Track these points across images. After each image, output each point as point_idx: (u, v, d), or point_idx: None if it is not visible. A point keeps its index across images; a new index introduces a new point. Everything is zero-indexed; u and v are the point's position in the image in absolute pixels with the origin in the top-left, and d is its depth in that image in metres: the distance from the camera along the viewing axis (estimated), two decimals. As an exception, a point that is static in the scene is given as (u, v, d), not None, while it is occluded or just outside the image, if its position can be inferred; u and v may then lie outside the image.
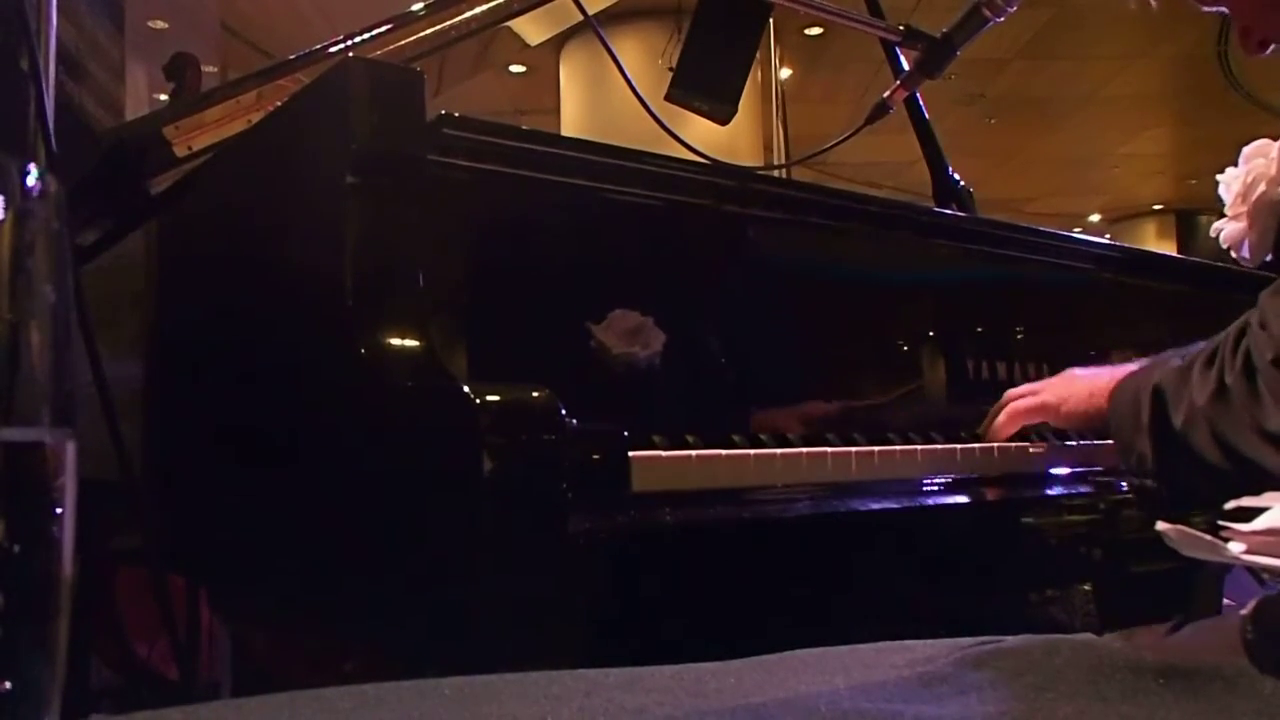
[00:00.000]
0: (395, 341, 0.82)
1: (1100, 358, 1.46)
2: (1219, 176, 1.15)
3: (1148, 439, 0.93)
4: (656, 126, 1.42)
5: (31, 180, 0.33)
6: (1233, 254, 1.14)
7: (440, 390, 0.76)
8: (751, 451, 0.93)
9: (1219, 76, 8.16)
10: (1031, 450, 1.13)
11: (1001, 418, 1.16)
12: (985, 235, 1.38)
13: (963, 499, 1.06)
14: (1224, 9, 1.02)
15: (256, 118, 1.32)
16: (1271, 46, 0.99)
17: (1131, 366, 1.09)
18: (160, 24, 4.43)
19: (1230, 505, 0.58)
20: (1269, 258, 1.13)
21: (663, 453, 0.87)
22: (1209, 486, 0.84)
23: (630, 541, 0.84)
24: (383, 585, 0.81)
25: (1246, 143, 1.08)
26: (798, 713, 0.50)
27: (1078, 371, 1.18)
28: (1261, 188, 1.08)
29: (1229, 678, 0.52)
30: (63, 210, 0.34)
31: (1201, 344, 0.94)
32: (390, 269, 0.86)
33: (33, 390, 0.33)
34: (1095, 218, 13.30)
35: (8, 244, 0.32)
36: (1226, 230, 1.13)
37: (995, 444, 1.13)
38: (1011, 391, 1.19)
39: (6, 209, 0.32)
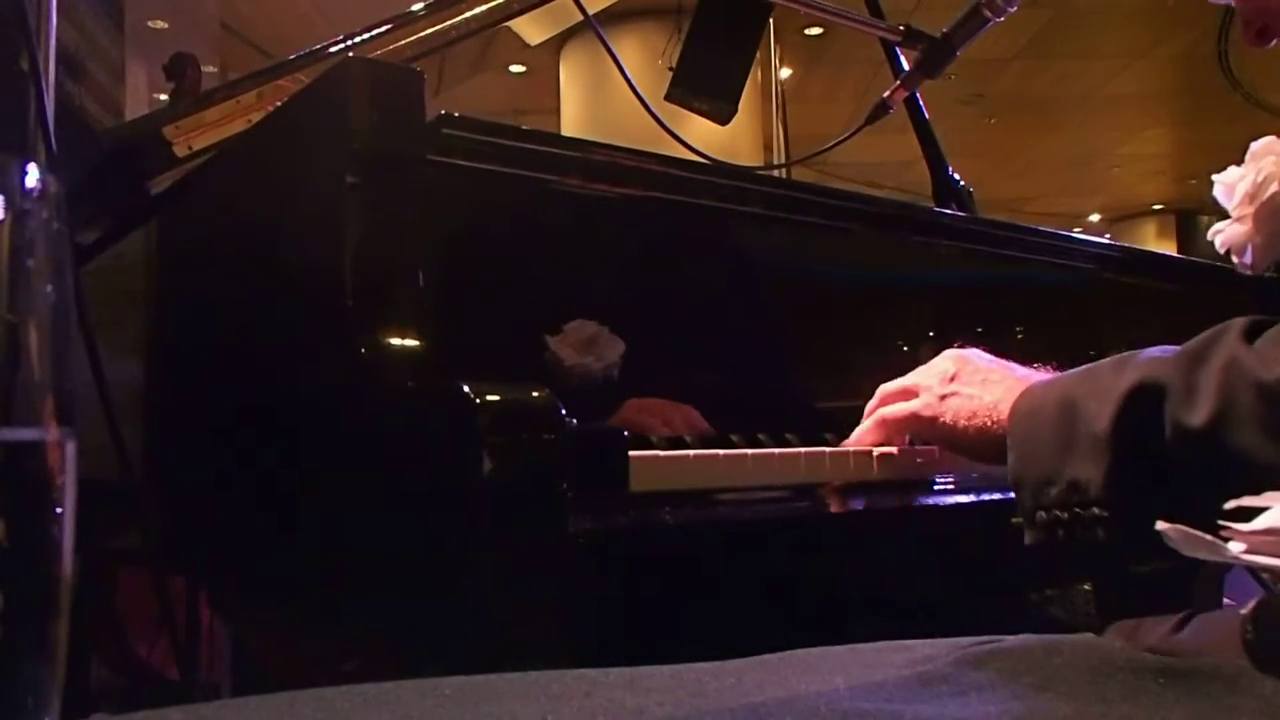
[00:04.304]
0: (395, 341, 0.82)
1: (1099, 358, 1.46)
2: (1216, 176, 1.06)
3: (1104, 457, 0.75)
4: (656, 126, 1.42)
5: (31, 180, 0.33)
6: (1233, 258, 1.02)
7: (440, 390, 0.76)
8: (750, 451, 0.93)
9: (1219, 76, 8.16)
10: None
11: (868, 425, 1.00)
12: (985, 235, 1.38)
13: (964, 499, 1.06)
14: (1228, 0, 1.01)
15: (256, 117, 1.32)
16: (1275, 39, 0.98)
17: (1033, 374, 0.90)
18: (160, 24, 4.43)
19: (1230, 505, 0.57)
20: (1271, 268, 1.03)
21: (661, 452, 0.87)
22: (1214, 504, 0.72)
23: (630, 541, 0.84)
24: (383, 585, 0.81)
25: (1247, 143, 1.05)
26: (798, 713, 0.50)
27: (955, 364, 0.95)
28: (1273, 188, 0.98)
29: (1229, 678, 0.52)
30: (63, 210, 0.34)
31: (1154, 349, 0.79)
32: (390, 269, 0.86)
33: (33, 390, 0.33)
34: (1095, 218, 13.31)
35: (8, 244, 0.32)
36: (1227, 233, 1.02)
37: None
38: (886, 388, 1.01)
39: (6, 209, 0.32)
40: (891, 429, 0.98)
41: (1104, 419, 0.75)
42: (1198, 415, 0.69)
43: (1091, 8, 7.12)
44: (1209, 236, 1.05)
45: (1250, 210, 0.99)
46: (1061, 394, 0.81)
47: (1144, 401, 0.73)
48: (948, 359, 0.97)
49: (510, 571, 0.73)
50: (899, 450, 1.01)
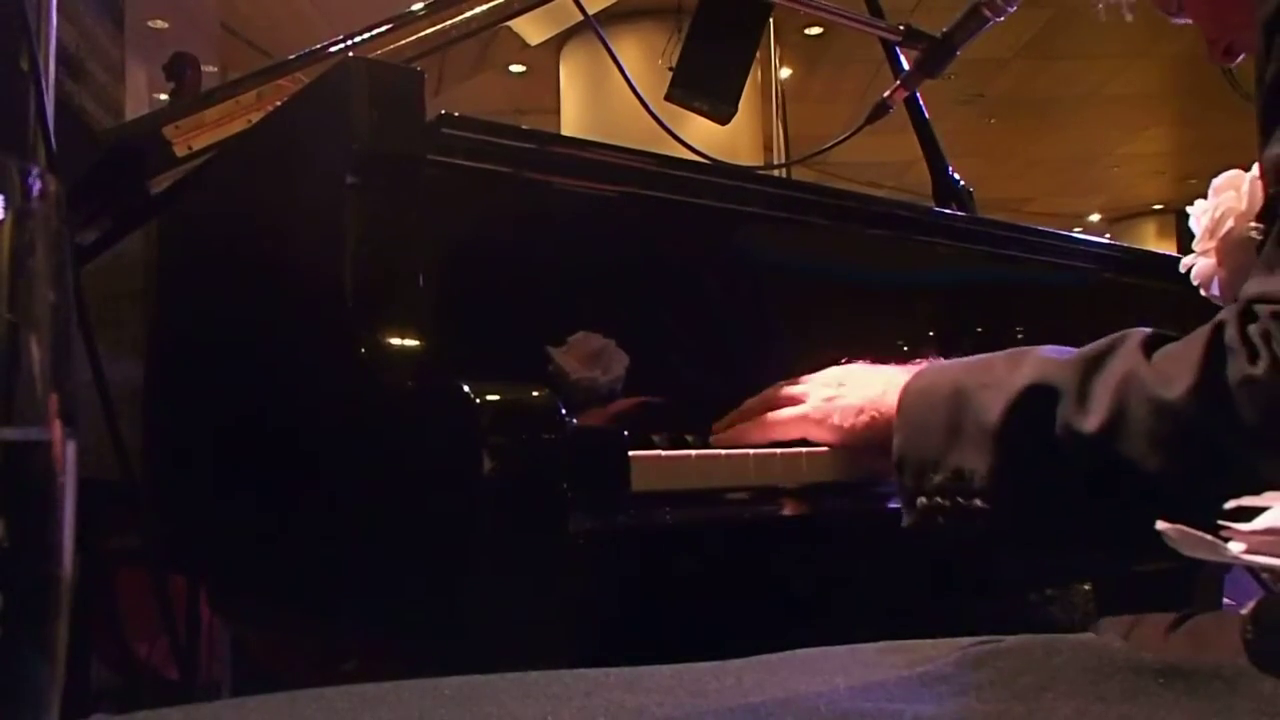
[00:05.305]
0: (395, 341, 0.82)
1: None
2: (1190, 209, 1.06)
3: (990, 450, 0.75)
4: (656, 126, 1.43)
5: (31, 180, 0.33)
6: (1202, 292, 1.03)
7: (440, 390, 0.76)
8: (751, 451, 0.93)
9: (1219, 76, 8.14)
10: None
11: (753, 425, 0.97)
12: (985, 235, 1.38)
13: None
14: (1190, 20, 1.03)
15: (256, 117, 1.32)
16: (1240, 56, 0.99)
17: (915, 368, 0.89)
18: (160, 24, 4.43)
19: (1230, 505, 0.57)
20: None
21: (662, 452, 0.87)
22: (1098, 505, 0.73)
23: (630, 541, 0.84)
24: (383, 585, 0.81)
25: (1247, 143, 1.05)
26: (798, 713, 0.50)
27: (842, 373, 0.96)
28: (1230, 224, 0.98)
29: (1229, 678, 0.52)
30: (63, 210, 0.34)
31: (1050, 347, 0.79)
32: (390, 269, 0.86)
33: (33, 390, 0.33)
34: (1095, 217, 13.31)
35: (8, 244, 0.32)
36: (1196, 267, 1.03)
37: None
38: (774, 394, 0.99)
39: (7, 209, 0.32)
40: (779, 430, 0.96)
41: (994, 412, 0.76)
42: (1090, 421, 0.71)
43: (1091, 7, 7.12)
44: (1180, 269, 1.06)
45: (1213, 245, 1.00)
46: (954, 381, 0.81)
47: (1037, 400, 0.74)
48: (834, 370, 0.98)
49: (510, 571, 0.73)
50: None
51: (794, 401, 0.97)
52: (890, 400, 0.86)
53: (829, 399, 0.94)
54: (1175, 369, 0.69)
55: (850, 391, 0.93)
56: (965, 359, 0.85)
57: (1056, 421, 0.73)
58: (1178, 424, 0.68)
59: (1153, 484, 0.68)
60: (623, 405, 0.96)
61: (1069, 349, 0.78)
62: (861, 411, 0.90)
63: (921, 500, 0.80)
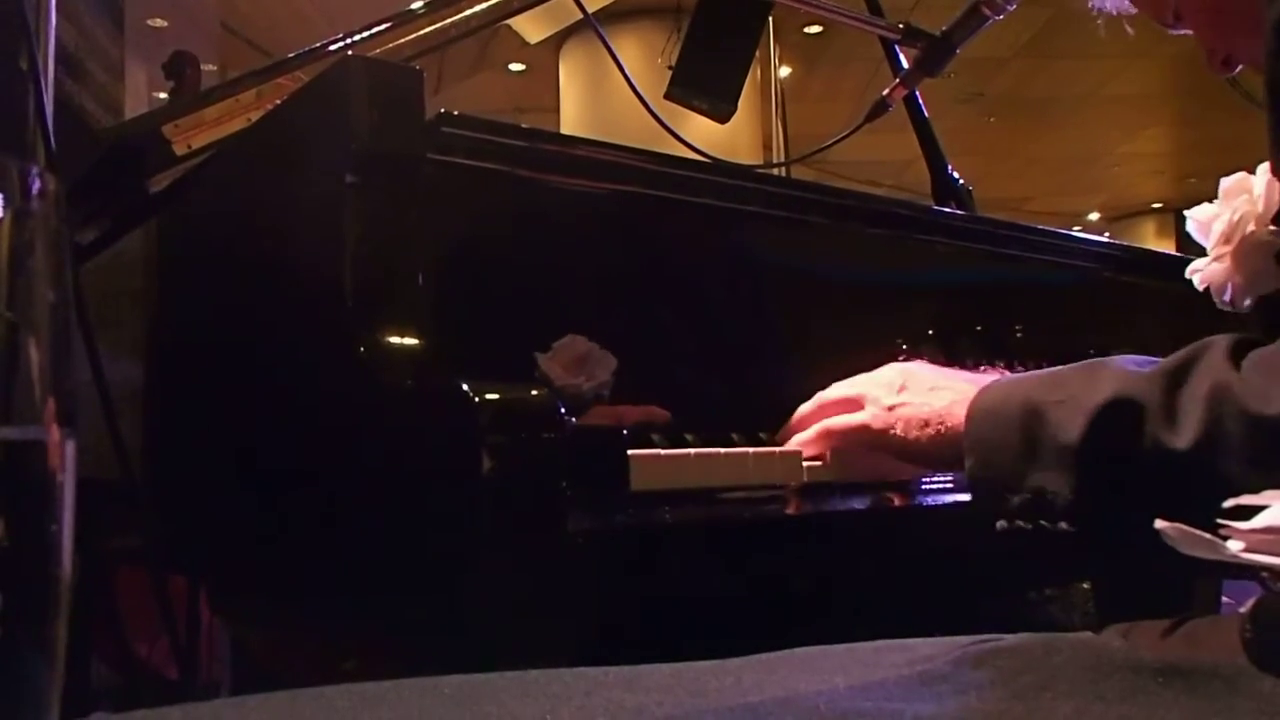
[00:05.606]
0: (394, 341, 0.82)
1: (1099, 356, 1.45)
2: (1189, 212, 1.03)
3: (1072, 469, 0.72)
4: (656, 125, 1.43)
5: (31, 180, 0.33)
6: (1215, 298, 1.00)
7: (439, 390, 0.76)
8: (750, 450, 0.93)
9: (1219, 76, 8.14)
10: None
11: (812, 435, 0.95)
12: (984, 234, 1.38)
13: (963, 498, 1.06)
14: (1188, 31, 1.02)
15: (256, 116, 1.32)
16: (1239, 66, 0.99)
17: (981, 377, 0.87)
18: (160, 23, 4.43)
19: (1229, 504, 0.57)
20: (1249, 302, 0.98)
21: (662, 451, 0.87)
22: (1191, 522, 0.72)
23: (630, 541, 0.84)
24: (382, 585, 0.81)
25: (1247, 142, 1.04)
26: (797, 712, 0.50)
27: (902, 375, 0.92)
28: (1250, 227, 0.95)
29: (1229, 677, 0.52)
30: (63, 209, 0.34)
31: (1125, 359, 0.76)
32: (390, 269, 0.86)
33: (32, 390, 0.33)
34: (1094, 216, 13.31)
35: (8, 244, 0.32)
36: (1206, 272, 1.00)
37: None
38: (825, 396, 0.96)
39: (6, 209, 0.32)
40: (838, 440, 0.94)
41: (1074, 430, 0.73)
42: (1181, 438, 0.68)
43: (1090, 18, 7.11)
44: (1187, 274, 1.04)
45: (1228, 249, 0.98)
46: (1025, 398, 0.78)
47: (1119, 416, 0.71)
48: (894, 370, 0.94)
49: (510, 571, 0.73)
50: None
51: (851, 406, 0.93)
52: (958, 414, 0.83)
53: (891, 407, 0.89)
54: (1270, 383, 0.65)
55: (914, 398, 0.89)
56: (1033, 373, 0.82)
57: (1143, 438, 0.69)
58: (1278, 442, 0.64)
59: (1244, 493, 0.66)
60: (625, 414, 0.96)
61: (1147, 359, 0.75)
62: (927, 424, 0.86)
63: (1001, 524, 0.77)
